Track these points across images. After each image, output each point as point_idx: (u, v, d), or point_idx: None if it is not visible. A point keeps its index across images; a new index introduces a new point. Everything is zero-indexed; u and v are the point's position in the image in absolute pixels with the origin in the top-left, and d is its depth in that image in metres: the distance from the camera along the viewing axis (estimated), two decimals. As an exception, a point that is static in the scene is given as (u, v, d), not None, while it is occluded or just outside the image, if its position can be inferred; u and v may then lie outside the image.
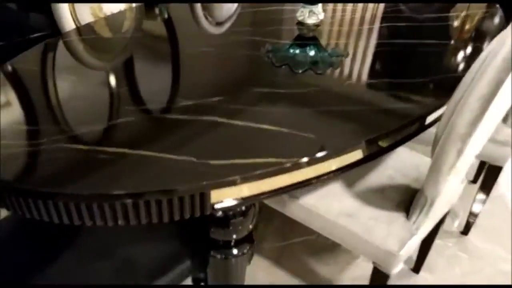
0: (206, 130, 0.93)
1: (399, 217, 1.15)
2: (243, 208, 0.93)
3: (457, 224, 1.79)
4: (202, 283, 1.17)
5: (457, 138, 0.90)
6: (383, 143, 1.01)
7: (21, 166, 0.81)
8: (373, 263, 1.16)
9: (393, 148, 1.05)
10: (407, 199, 1.19)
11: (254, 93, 1.10)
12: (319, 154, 0.87)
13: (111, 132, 0.92)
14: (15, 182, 0.78)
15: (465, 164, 1.02)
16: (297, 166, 0.85)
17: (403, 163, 1.33)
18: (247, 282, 1.49)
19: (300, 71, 1.19)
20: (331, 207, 1.18)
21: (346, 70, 1.25)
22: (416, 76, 1.20)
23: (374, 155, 1.01)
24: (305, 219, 1.23)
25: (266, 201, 1.30)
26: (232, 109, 1.00)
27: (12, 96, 1.04)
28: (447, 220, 1.78)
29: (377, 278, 1.18)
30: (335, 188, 1.23)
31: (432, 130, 1.08)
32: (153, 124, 0.96)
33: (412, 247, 1.14)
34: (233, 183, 0.80)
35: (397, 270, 1.15)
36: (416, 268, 1.58)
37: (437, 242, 1.67)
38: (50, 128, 0.92)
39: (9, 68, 1.13)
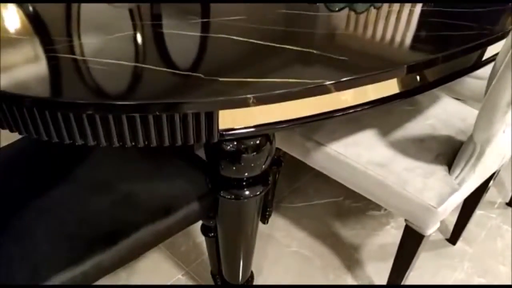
0: (220, 48, 0.80)
1: (439, 170, 1.00)
2: (257, 141, 0.81)
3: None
4: (212, 234, 1.07)
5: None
6: (427, 76, 0.86)
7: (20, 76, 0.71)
8: (406, 221, 1.02)
9: (440, 84, 0.90)
10: (449, 152, 1.03)
11: (281, 14, 0.95)
12: (349, 77, 0.73)
13: (111, 44, 0.80)
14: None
15: None
16: (322, 90, 0.71)
17: (448, 113, 1.17)
18: (263, 243, 1.39)
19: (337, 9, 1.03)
20: (361, 156, 1.04)
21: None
22: (473, 6, 1.02)
23: (415, 90, 0.87)
24: (330, 169, 1.10)
25: (288, 149, 1.18)
26: (252, 28, 0.87)
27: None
28: (492, 191, 1.61)
29: (410, 240, 1.04)
30: (367, 137, 1.09)
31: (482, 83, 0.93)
32: (159, 38, 0.84)
33: (452, 205, 0.99)
34: (244, 103, 0.68)
35: (433, 231, 1.00)
36: (453, 238, 1.42)
37: (479, 212, 1.51)
38: (53, 38, 0.82)
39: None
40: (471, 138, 0.93)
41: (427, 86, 0.88)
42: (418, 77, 0.87)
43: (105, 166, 0.97)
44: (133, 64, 0.74)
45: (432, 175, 0.99)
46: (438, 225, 1.01)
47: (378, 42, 0.87)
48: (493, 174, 1.20)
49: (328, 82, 0.71)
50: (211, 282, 1.25)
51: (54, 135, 0.70)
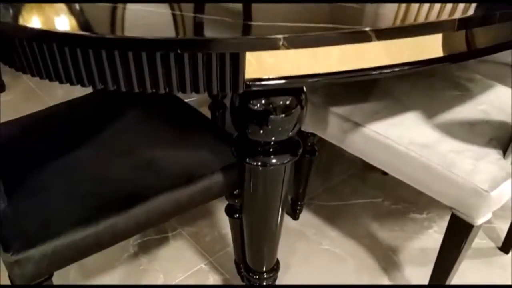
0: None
1: (492, 153, 0.90)
2: (287, 102, 0.74)
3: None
4: (237, 215, 1.00)
5: None
6: (483, 37, 0.77)
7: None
8: (452, 209, 0.91)
9: (498, 50, 0.80)
10: (504, 137, 0.93)
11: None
12: (391, 26, 0.66)
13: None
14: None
15: None
16: (360, 36, 0.65)
17: (502, 100, 1.06)
18: (293, 239, 1.30)
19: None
20: (403, 137, 0.95)
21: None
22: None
23: (462, 56, 0.78)
24: (368, 152, 1.01)
25: (323, 133, 1.10)
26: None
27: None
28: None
29: (456, 232, 0.93)
30: (409, 118, 1.00)
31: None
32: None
33: (507, 193, 0.88)
34: (274, 45, 0.62)
35: (483, 221, 0.89)
36: (506, 247, 1.28)
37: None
38: None
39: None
40: (530, 114, 0.83)
41: (475, 52, 0.79)
42: (465, 42, 0.78)
43: (130, 133, 0.93)
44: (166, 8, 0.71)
45: (483, 158, 0.89)
46: (490, 215, 0.90)
47: None
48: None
49: (367, 28, 0.64)
50: (234, 273, 1.18)
51: (73, 76, 0.67)
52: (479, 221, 0.88)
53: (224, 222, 1.35)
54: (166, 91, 0.66)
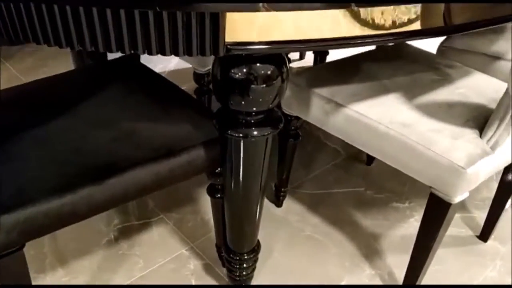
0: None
1: (469, 132, 0.91)
2: (268, 72, 0.75)
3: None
4: (218, 195, 0.99)
5: None
6: (454, 17, 0.79)
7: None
8: (431, 189, 0.92)
9: (473, 28, 0.82)
10: (481, 118, 0.94)
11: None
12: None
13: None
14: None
15: None
16: (338, 6, 0.66)
17: (480, 85, 1.08)
18: (276, 225, 1.30)
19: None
20: (383, 116, 0.96)
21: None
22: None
23: (440, 30, 0.79)
24: (349, 132, 1.02)
25: (305, 115, 1.11)
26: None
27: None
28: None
29: (434, 211, 0.93)
30: (390, 99, 1.01)
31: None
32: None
33: (484, 171, 0.89)
34: (255, 7, 0.62)
35: (460, 199, 0.90)
36: (484, 235, 1.29)
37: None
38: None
39: None
40: (506, 92, 0.84)
41: (453, 28, 0.81)
42: (443, 17, 0.79)
43: (110, 108, 0.93)
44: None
45: (461, 137, 0.90)
46: (467, 194, 0.91)
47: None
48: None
49: (347, -5, 0.65)
50: (215, 258, 1.17)
51: (51, 37, 0.66)
52: (456, 199, 0.89)
53: (207, 208, 1.34)
54: (144, 52, 0.66)
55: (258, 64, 0.73)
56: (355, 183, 1.50)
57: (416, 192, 1.46)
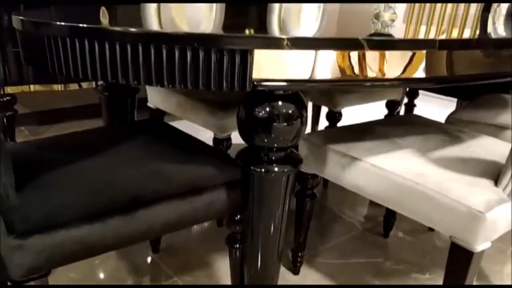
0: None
1: (484, 181, 0.94)
2: (289, 111, 0.81)
3: None
4: (237, 245, 1.00)
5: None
6: (455, 67, 0.87)
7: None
8: (451, 238, 0.92)
9: (473, 80, 0.89)
10: (494, 171, 0.97)
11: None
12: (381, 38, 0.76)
13: None
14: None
15: None
16: (355, 44, 0.74)
17: (489, 144, 1.13)
18: None
19: None
20: (399, 167, 0.99)
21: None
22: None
23: (441, 79, 0.87)
24: (366, 185, 1.04)
25: (322, 171, 1.14)
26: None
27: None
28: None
29: (457, 261, 0.92)
30: (404, 153, 1.06)
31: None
32: None
33: (503, 219, 0.89)
34: (279, 45, 0.71)
35: (483, 247, 0.89)
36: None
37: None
38: None
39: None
40: (515, 139, 0.88)
41: (453, 79, 0.88)
42: (446, 66, 0.87)
43: (138, 150, 0.98)
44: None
45: (477, 184, 0.92)
46: (489, 243, 0.90)
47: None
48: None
49: (361, 37, 0.74)
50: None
51: (99, 74, 0.75)
52: (478, 247, 0.88)
53: (222, 273, 1.32)
54: (181, 86, 0.74)
55: (280, 103, 0.80)
56: (373, 254, 1.47)
57: (436, 264, 1.42)
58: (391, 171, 0.99)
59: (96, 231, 0.77)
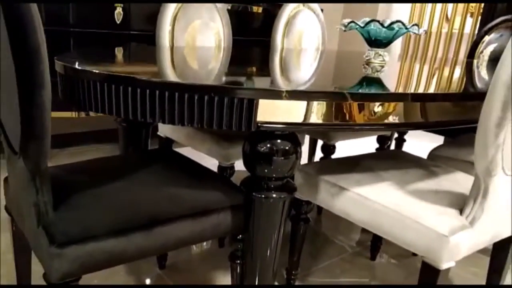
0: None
1: (451, 211, 1.09)
2: (286, 147, 0.97)
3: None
4: (238, 261, 1.14)
5: (501, 86, 0.91)
6: (431, 113, 1.03)
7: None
8: (422, 257, 1.07)
9: (442, 126, 1.06)
10: (461, 203, 1.13)
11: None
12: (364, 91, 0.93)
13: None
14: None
15: None
16: (339, 96, 0.91)
17: (461, 179, 1.29)
18: None
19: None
20: (380, 197, 1.15)
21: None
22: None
23: (417, 124, 1.04)
24: (352, 212, 1.20)
25: (314, 198, 1.30)
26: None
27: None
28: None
29: (427, 276, 1.07)
30: (386, 185, 1.21)
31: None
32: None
33: (465, 244, 1.05)
34: (279, 96, 0.88)
35: (448, 266, 1.04)
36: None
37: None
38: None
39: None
40: (476, 175, 1.04)
41: (427, 124, 1.05)
42: (420, 113, 1.04)
43: (153, 176, 1.14)
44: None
45: (444, 214, 1.08)
46: (453, 263, 1.05)
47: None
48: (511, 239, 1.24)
49: (346, 92, 0.91)
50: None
51: (130, 113, 0.92)
52: (443, 265, 1.03)
53: (222, 288, 1.46)
54: (198, 126, 0.90)
55: (278, 141, 0.97)
56: (360, 275, 1.61)
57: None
58: (374, 200, 1.15)
59: (120, 244, 0.92)
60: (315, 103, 0.91)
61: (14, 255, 1.20)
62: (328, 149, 1.99)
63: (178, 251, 1.67)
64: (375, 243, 1.71)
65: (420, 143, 2.67)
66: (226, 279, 1.19)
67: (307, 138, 2.34)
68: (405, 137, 2.40)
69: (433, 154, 1.64)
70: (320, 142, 2.08)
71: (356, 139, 2.07)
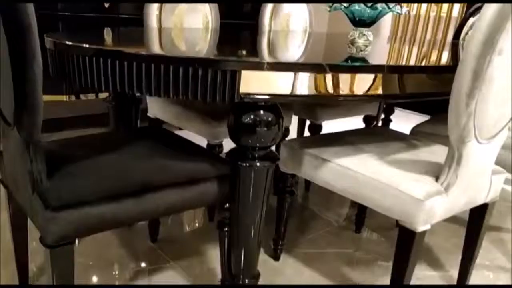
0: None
1: (427, 178, 1.15)
2: (269, 118, 1.02)
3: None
4: (226, 228, 1.20)
5: (471, 57, 0.96)
6: (408, 86, 1.09)
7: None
8: (399, 221, 1.13)
9: (419, 97, 1.12)
10: (437, 171, 1.19)
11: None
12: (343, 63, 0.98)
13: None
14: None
15: (485, 98, 1.03)
16: (318, 68, 0.96)
17: (439, 150, 1.35)
18: (271, 276, 1.46)
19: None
20: (360, 167, 1.21)
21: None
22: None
23: (395, 96, 1.09)
24: (334, 182, 1.26)
25: (299, 171, 1.35)
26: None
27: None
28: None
29: (404, 239, 1.13)
30: (367, 156, 1.27)
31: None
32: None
33: (439, 207, 1.11)
34: (260, 67, 0.93)
35: (423, 229, 1.10)
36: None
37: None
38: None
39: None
40: (450, 143, 1.10)
41: (404, 96, 1.11)
42: (398, 86, 1.10)
43: (144, 149, 1.18)
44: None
45: (421, 180, 1.14)
46: (428, 226, 1.11)
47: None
48: (486, 207, 1.31)
49: (324, 63, 0.96)
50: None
51: (118, 86, 0.96)
52: (419, 228, 1.10)
53: (212, 259, 1.51)
54: (183, 97, 0.95)
55: (262, 112, 1.02)
56: (345, 245, 1.68)
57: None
58: (354, 170, 1.21)
59: (112, 209, 0.97)
60: (295, 74, 0.96)
61: (11, 232, 1.25)
62: (315, 128, 2.05)
63: (169, 226, 1.73)
64: (360, 216, 1.78)
65: (406, 125, 2.73)
66: (216, 252, 1.24)
67: (295, 119, 2.40)
68: (392, 117, 2.46)
69: (415, 130, 1.70)
70: (308, 123, 2.13)
71: (343, 119, 2.12)
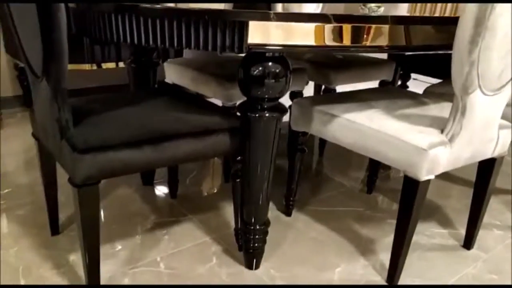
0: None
1: (432, 130, 1.19)
2: (277, 70, 1.07)
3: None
4: (238, 180, 1.27)
5: (473, 3, 0.99)
6: (415, 38, 1.12)
7: None
8: (404, 172, 1.18)
9: (425, 50, 1.15)
10: (442, 124, 1.22)
11: None
12: (345, 14, 1.02)
13: None
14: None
15: (488, 46, 1.06)
16: (323, 18, 1.00)
17: (445, 108, 1.38)
18: (283, 229, 1.54)
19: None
20: (367, 121, 1.25)
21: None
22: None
23: (400, 47, 1.12)
24: (342, 136, 1.31)
25: (308, 127, 1.41)
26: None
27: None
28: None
29: (408, 189, 1.18)
30: (373, 111, 1.31)
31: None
32: None
33: (443, 157, 1.15)
34: (267, 18, 0.97)
35: (427, 177, 1.15)
36: (467, 243, 1.49)
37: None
38: None
39: None
40: (455, 94, 1.13)
41: (411, 48, 1.14)
42: (404, 38, 1.13)
43: (161, 104, 1.26)
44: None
45: (425, 132, 1.18)
46: (432, 176, 1.16)
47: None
48: (493, 162, 1.34)
49: (329, 14, 1.00)
50: (234, 244, 1.40)
51: (135, 39, 1.03)
52: (423, 177, 1.14)
53: (228, 214, 1.60)
54: (195, 48, 1.01)
55: (270, 63, 1.07)
56: (356, 205, 1.74)
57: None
58: (360, 123, 1.25)
59: (133, 154, 1.05)
60: (302, 25, 1.00)
61: (43, 185, 1.35)
62: (330, 92, 2.08)
63: (188, 184, 1.82)
64: (371, 178, 1.83)
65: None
66: (231, 208, 1.32)
67: (312, 85, 2.43)
68: (409, 84, 2.47)
69: (427, 90, 1.73)
70: (323, 88, 2.17)
71: (358, 84, 2.15)
